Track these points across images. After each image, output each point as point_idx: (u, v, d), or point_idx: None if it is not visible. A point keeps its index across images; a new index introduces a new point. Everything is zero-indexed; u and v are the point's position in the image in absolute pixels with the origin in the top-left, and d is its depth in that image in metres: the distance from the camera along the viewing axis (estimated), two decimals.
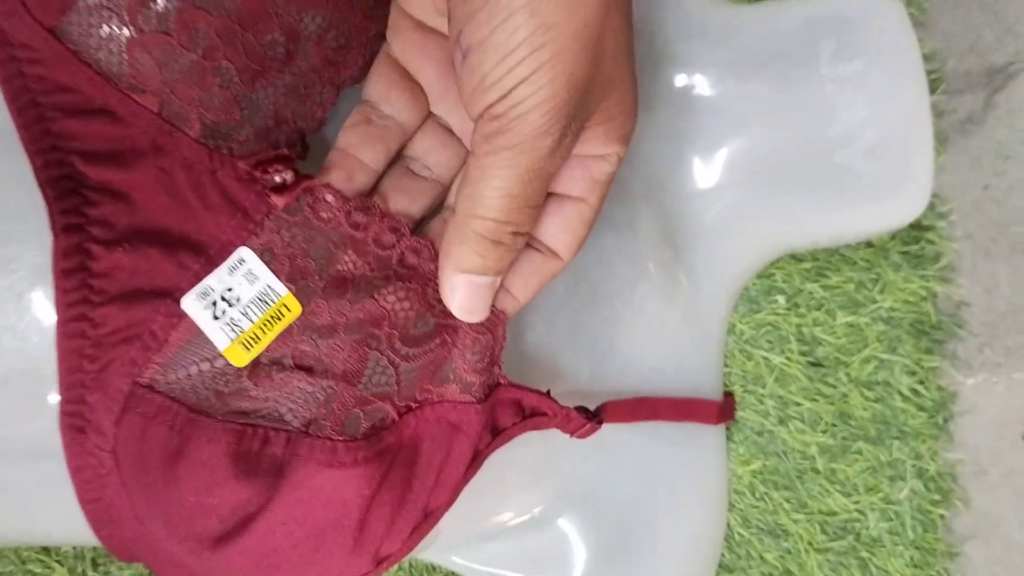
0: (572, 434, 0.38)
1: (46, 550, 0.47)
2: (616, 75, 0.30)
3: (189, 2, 0.31)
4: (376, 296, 0.34)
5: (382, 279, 0.34)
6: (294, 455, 0.33)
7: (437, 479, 0.35)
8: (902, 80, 0.43)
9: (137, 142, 0.33)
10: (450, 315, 0.34)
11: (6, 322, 0.34)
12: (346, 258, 0.34)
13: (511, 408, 0.37)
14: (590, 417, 0.38)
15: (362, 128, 0.34)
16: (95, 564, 0.47)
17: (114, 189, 0.33)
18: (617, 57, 0.30)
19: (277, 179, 0.33)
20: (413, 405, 0.35)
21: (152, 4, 0.31)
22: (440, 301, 0.34)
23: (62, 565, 0.47)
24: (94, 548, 0.47)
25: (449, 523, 0.38)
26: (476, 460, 0.36)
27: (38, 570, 0.47)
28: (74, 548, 0.47)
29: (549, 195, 0.33)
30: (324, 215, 0.34)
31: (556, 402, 0.37)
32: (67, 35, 0.32)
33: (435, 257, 0.35)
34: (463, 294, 0.32)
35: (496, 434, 0.36)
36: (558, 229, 0.33)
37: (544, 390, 0.37)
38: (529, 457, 0.41)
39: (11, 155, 0.34)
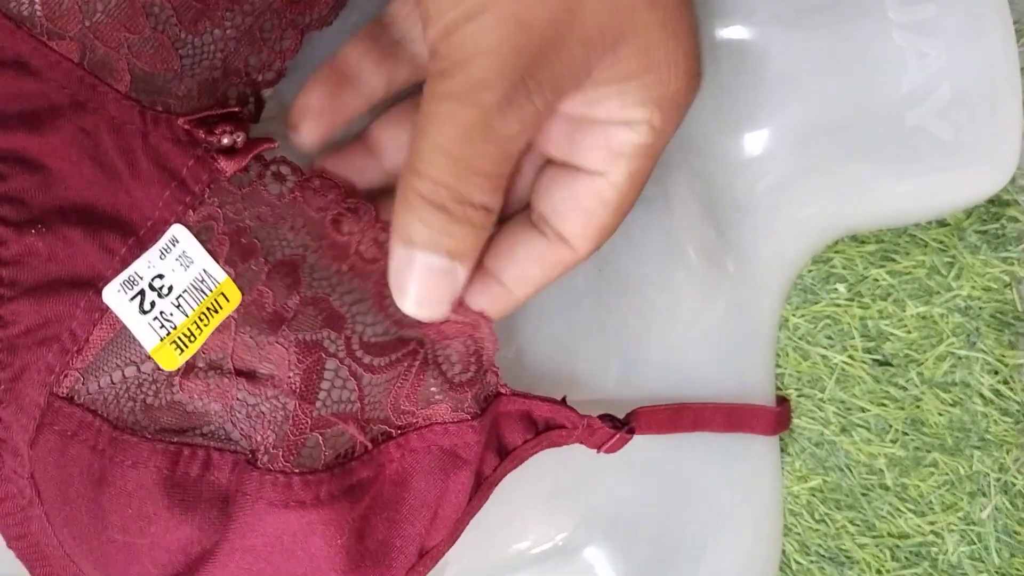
0: (599, 449, 0.34)
1: None
2: (626, 25, 0.26)
3: None
4: (331, 291, 0.30)
5: (339, 271, 0.31)
6: (240, 492, 0.28)
7: (435, 515, 0.30)
8: (983, 26, 0.40)
9: (54, 99, 0.29)
10: (413, 323, 0.30)
11: None
12: (298, 242, 0.31)
13: (520, 422, 0.32)
14: (619, 427, 0.34)
15: (368, 43, 0.31)
16: None
17: (27, 157, 0.29)
18: (626, 4, 0.26)
19: (225, 141, 0.30)
20: (393, 432, 0.30)
21: None
22: None
23: None
24: None
25: (457, 555, 0.35)
26: (482, 488, 0.32)
27: None
28: None
29: (557, 166, 0.30)
30: (275, 189, 0.31)
31: (575, 411, 0.33)
32: None
33: None
34: (415, 282, 0.28)
35: (504, 455, 0.32)
36: (566, 207, 0.29)
37: (558, 397, 0.32)
38: (548, 477, 0.38)
39: None
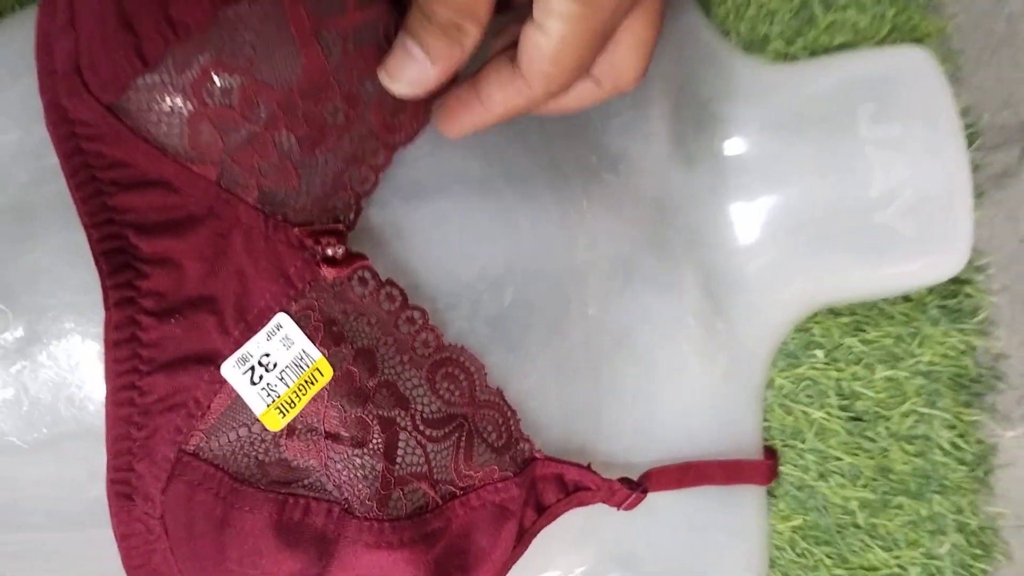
0: (618, 507, 0.38)
1: None
2: None
3: (251, 76, 0.32)
4: (397, 377, 0.35)
5: (401, 361, 0.35)
6: (342, 536, 0.33)
7: (488, 559, 0.35)
8: (941, 140, 0.43)
9: (193, 210, 0.33)
10: (457, 403, 0.35)
11: (66, 392, 0.35)
12: (373, 334, 0.35)
13: (553, 484, 0.37)
14: (634, 487, 0.38)
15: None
16: None
17: (167, 258, 0.33)
18: None
19: (328, 252, 0.34)
20: (457, 492, 0.35)
21: (216, 79, 0.31)
22: (446, 386, 0.35)
23: None
24: None
25: None
26: (524, 539, 0.36)
27: None
28: None
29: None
30: (359, 290, 0.35)
31: (599, 475, 0.37)
32: (125, 112, 0.32)
33: (442, 345, 0.36)
34: (395, 57, 0.32)
35: (542, 511, 0.37)
36: (520, 47, 0.32)
37: (583, 462, 0.37)
38: (572, 521, 0.41)
39: (73, 229, 0.34)
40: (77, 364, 0.35)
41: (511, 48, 0.33)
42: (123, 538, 0.35)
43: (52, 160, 0.34)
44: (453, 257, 0.38)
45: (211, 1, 0.31)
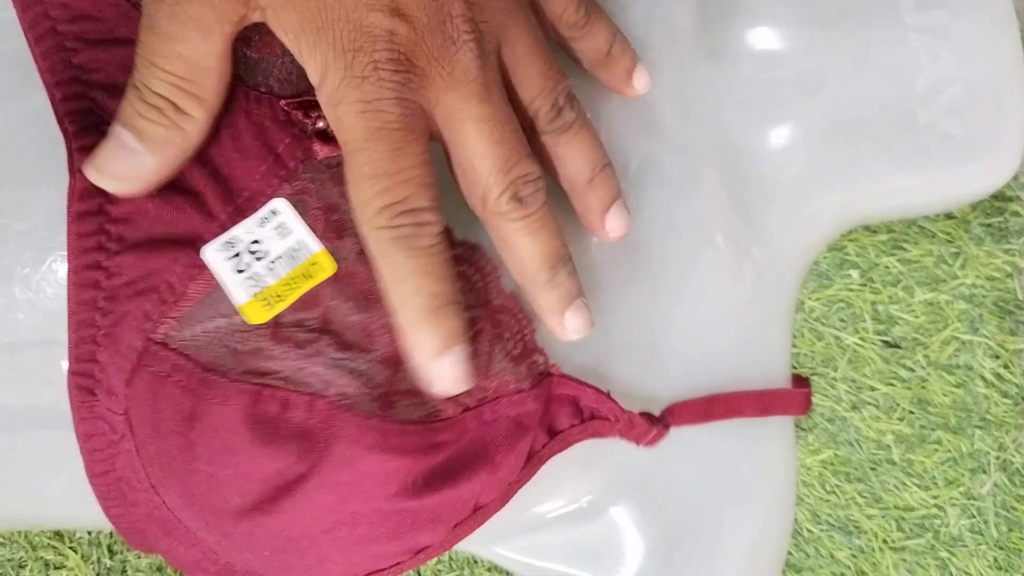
0: (637, 443, 0.37)
1: (59, 535, 0.46)
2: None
3: None
4: None
5: None
6: (337, 434, 0.31)
7: (493, 476, 0.33)
8: (992, 31, 0.41)
9: None
10: (473, 303, 0.32)
11: (20, 272, 0.32)
12: None
13: (568, 407, 0.35)
14: (656, 423, 0.37)
15: None
16: (111, 552, 0.45)
17: None
18: None
19: (320, 124, 0.31)
20: (470, 404, 0.33)
21: None
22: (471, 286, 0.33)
23: (76, 552, 0.45)
24: (110, 534, 0.45)
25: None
26: (532, 462, 0.34)
27: (50, 556, 0.45)
28: (89, 533, 0.46)
29: None
30: None
31: (618, 405, 0.35)
32: None
33: (455, 241, 0.34)
34: (105, 150, 0.30)
35: (552, 435, 0.35)
36: None
37: (604, 390, 0.35)
38: (583, 444, 0.39)
39: (29, 89, 0.32)
40: (35, 240, 0.32)
41: None
42: (85, 438, 0.32)
43: (7, 14, 0.32)
44: None
45: None
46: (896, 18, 0.41)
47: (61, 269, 0.32)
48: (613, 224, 0.34)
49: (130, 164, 0.29)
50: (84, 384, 0.32)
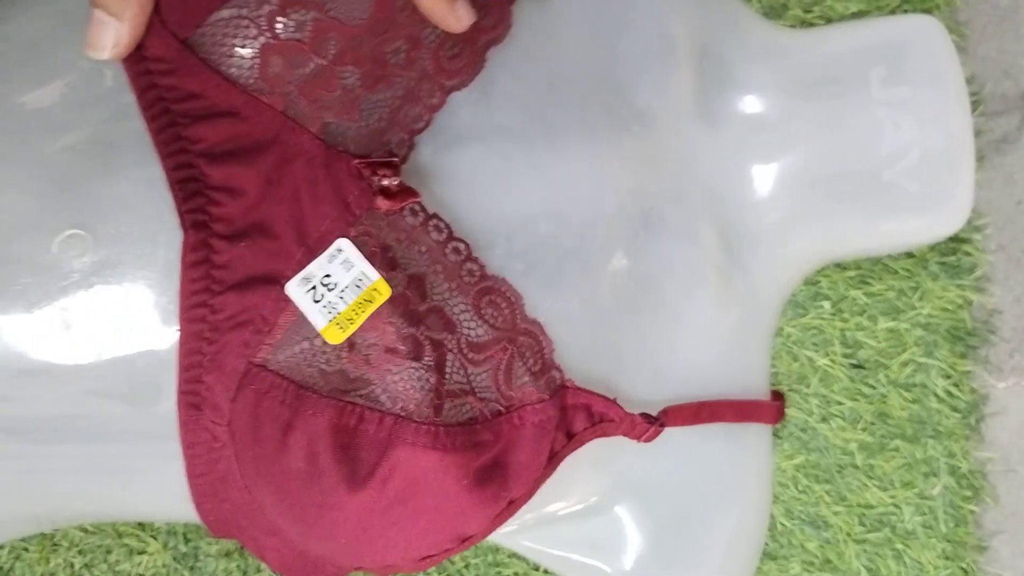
0: (638, 439, 0.40)
1: (141, 525, 0.49)
2: None
3: (324, 11, 0.33)
4: (444, 303, 0.36)
5: (449, 288, 0.37)
6: (398, 439, 0.35)
7: (524, 475, 0.37)
8: (947, 104, 0.45)
9: (259, 137, 0.35)
10: (501, 327, 0.36)
11: (137, 313, 0.36)
12: (423, 262, 0.36)
13: (582, 413, 0.39)
14: (653, 422, 0.40)
15: None
16: (186, 539, 0.49)
17: (233, 186, 0.35)
18: None
19: (385, 183, 0.35)
20: (502, 410, 0.37)
21: (290, 13, 0.33)
22: (490, 312, 0.37)
23: (156, 539, 0.49)
24: (185, 524, 0.49)
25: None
26: (553, 461, 0.38)
27: (133, 543, 0.49)
28: (167, 524, 0.49)
29: None
30: (411, 220, 0.36)
31: (623, 409, 0.39)
32: (199, 45, 0.34)
33: (486, 275, 0.38)
34: (90, 28, 0.34)
35: (570, 437, 0.38)
36: None
37: (611, 396, 0.39)
38: (592, 451, 0.43)
39: (149, 163, 0.36)
40: (149, 287, 0.36)
41: None
42: (189, 446, 0.37)
43: (130, 98, 0.36)
44: (489, 200, 0.39)
45: None
46: (866, 92, 0.45)
47: (171, 308, 0.36)
48: (460, 14, 0.35)
49: (109, 34, 0.33)
50: (192, 401, 0.36)
